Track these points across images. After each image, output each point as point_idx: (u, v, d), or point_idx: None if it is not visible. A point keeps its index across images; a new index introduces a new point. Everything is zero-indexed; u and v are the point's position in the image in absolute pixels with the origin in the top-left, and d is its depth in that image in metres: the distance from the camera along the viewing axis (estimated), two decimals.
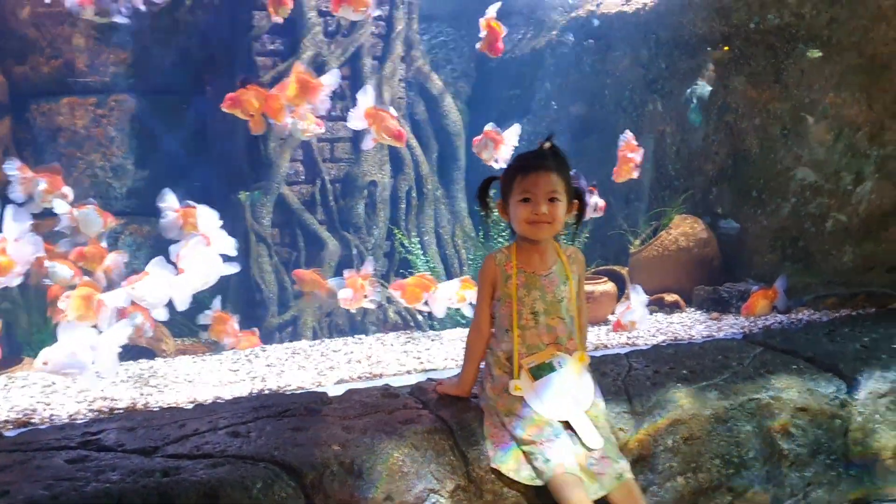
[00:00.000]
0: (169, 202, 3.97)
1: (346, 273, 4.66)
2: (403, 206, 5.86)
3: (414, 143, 5.90)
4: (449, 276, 5.53)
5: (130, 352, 4.29)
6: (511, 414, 2.50)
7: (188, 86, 5.77)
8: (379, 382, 3.34)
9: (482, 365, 2.71)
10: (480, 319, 2.68)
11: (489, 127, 4.72)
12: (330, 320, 5.40)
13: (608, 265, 5.59)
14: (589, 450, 2.44)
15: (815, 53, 4.93)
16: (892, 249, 4.87)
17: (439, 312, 4.46)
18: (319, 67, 5.36)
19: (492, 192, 2.69)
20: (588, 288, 4.88)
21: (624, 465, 2.46)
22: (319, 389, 3.38)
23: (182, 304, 3.64)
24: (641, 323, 4.47)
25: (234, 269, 3.80)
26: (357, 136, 5.15)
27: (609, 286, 5.09)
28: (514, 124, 4.81)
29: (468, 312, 4.47)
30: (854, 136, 4.93)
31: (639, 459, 2.77)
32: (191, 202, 3.98)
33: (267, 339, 5.03)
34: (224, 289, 4.76)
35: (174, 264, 3.64)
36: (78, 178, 5.54)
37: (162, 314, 3.78)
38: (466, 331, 2.78)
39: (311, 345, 4.84)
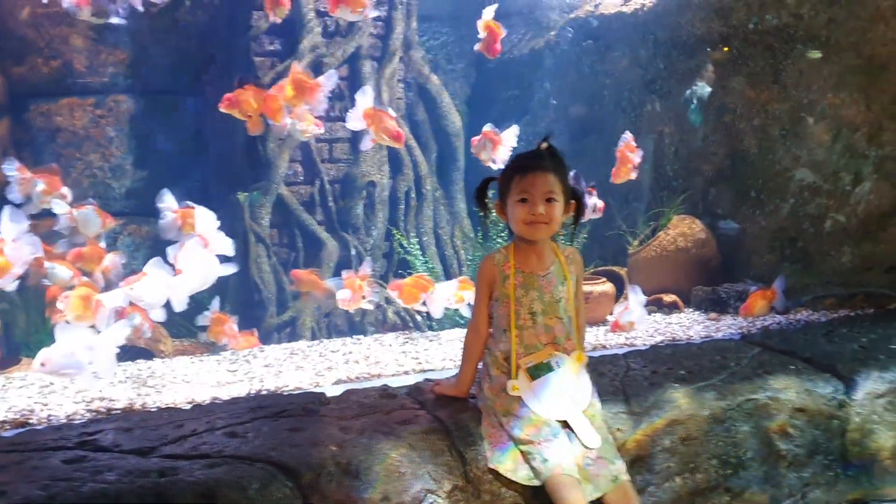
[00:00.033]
0: (168, 203, 3.97)
1: (345, 274, 4.66)
2: (402, 206, 5.86)
3: (413, 143, 5.91)
4: (448, 277, 5.53)
5: (129, 352, 4.30)
6: (509, 414, 2.50)
7: (187, 86, 5.77)
8: (377, 383, 3.34)
9: (480, 365, 2.71)
10: (478, 320, 2.68)
11: (488, 127, 4.72)
12: (329, 321, 5.41)
13: (607, 266, 5.59)
14: (587, 449, 2.44)
15: (816, 54, 4.93)
16: (890, 250, 4.87)
17: (437, 313, 4.46)
18: (318, 68, 5.36)
19: (490, 193, 2.69)
20: (586, 288, 4.87)
21: (620, 467, 2.46)
22: (317, 390, 3.38)
23: (179, 305, 3.64)
24: (640, 323, 4.47)
25: (231, 269, 3.81)
26: (356, 137, 5.15)
27: (607, 287, 5.09)
28: (512, 125, 4.81)
29: (466, 313, 4.47)
30: (852, 137, 4.93)
31: (636, 460, 2.77)
32: (190, 203, 3.98)
33: (265, 339, 5.03)
34: (223, 289, 4.76)
35: (171, 265, 3.64)
36: (77, 179, 5.53)
37: (159, 315, 3.78)
38: (465, 331, 2.78)
39: (310, 345, 4.84)
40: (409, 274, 4.94)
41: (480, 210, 2.69)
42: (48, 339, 3.37)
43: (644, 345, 4.23)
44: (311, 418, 2.63)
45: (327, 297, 4.80)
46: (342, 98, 5.62)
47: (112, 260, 4.21)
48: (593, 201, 4.89)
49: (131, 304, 3.77)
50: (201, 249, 3.64)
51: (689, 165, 5.72)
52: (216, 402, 3.37)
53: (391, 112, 4.62)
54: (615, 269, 5.51)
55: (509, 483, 2.45)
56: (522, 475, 2.42)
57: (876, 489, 3.09)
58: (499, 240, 5.16)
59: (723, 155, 5.51)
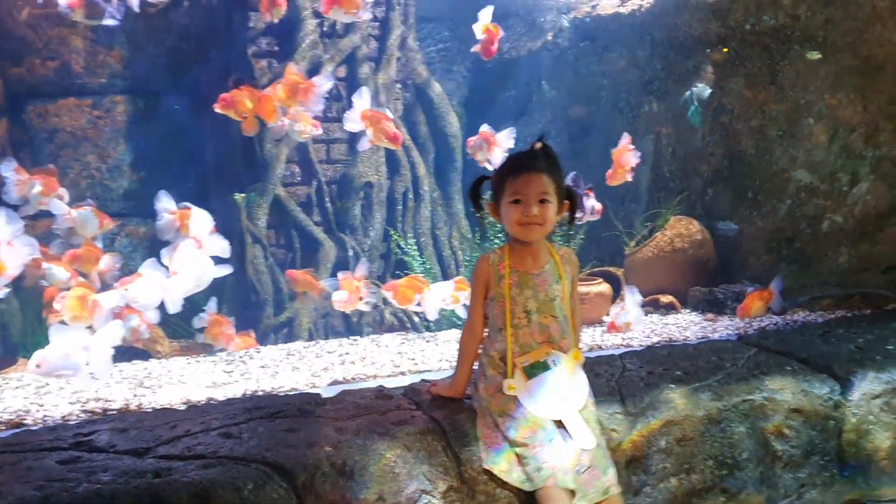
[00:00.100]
0: (165, 204, 3.96)
1: (341, 275, 4.65)
2: (400, 207, 5.86)
3: (410, 144, 5.90)
4: (446, 278, 5.52)
5: (125, 353, 4.29)
6: (504, 415, 2.50)
7: (184, 87, 5.77)
8: (373, 384, 3.34)
9: (476, 366, 2.71)
10: (474, 320, 2.68)
11: (484, 128, 4.72)
12: (326, 321, 5.40)
13: (603, 266, 5.59)
14: (582, 450, 2.44)
15: (815, 55, 4.93)
16: (887, 250, 4.87)
17: (432, 314, 4.45)
18: (315, 69, 5.36)
19: (488, 194, 2.69)
20: (583, 289, 4.87)
21: (611, 479, 2.47)
22: (313, 391, 3.38)
23: (174, 307, 3.63)
24: (636, 324, 4.47)
25: (226, 270, 3.80)
26: (353, 138, 5.15)
27: (604, 287, 5.09)
28: (510, 126, 4.81)
29: (463, 314, 4.47)
30: (849, 138, 4.93)
31: (632, 460, 2.78)
32: (187, 204, 3.97)
33: (262, 340, 5.02)
34: (220, 290, 4.75)
35: (166, 267, 3.64)
36: (74, 180, 5.53)
37: (153, 316, 3.78)
38: (461, 332, 2.78)
39: (306, 346, 4.84)
40: (407, 275, 4.94)
41: (475, 209, 2.69)
42: (45, 340, 3.37)
43: (640, 345, 4.23)
44: (306, 419, 2.64)
45: (323, 298, 4.80)
46: (340, 99, 5.62)
47: (108, 261, 4.20)
48: (591, 203, 4.89)
49: (127, 305, 3.77)
50: (196, 251, 3.64)
51: (687, 166, 5.72)
52: (212, 402, 3.38)
53: (389, 113, 4.62)
54: (612, 269, 5.51)
55: (504, 484, 2.46)
56: (515, 477, 2.43)
57: (872, 490, 3.09)
58: (496, 240, 5.16)
59: (720, 156, 5.51)
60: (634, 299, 4.43)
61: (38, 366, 3.25)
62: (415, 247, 5.64)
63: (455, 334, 4.85)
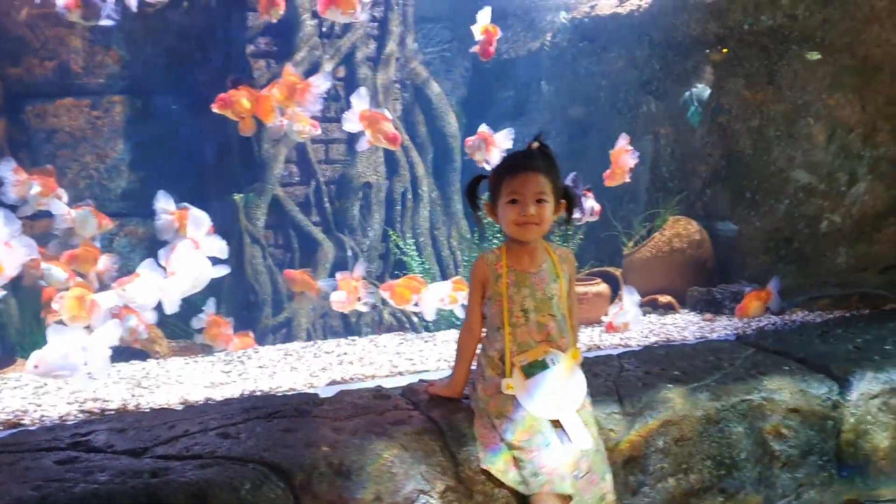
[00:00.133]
0: (164, 204, 3.96)
1: (339, 276, 4.65)
2: (399, 207, 5.86)
3: (409, 144, 5.90)
4: (444, 278, 5.52)
5: (123, 353, 4.29)
6: (502, 416, 2.50)
7: (183, 87, 5.77)
8: (371, 384, 3.34)
9: (474, 366, 2.71)
10: (472, 320, 2.68)
11: (483, 128, 4.72)
12: (324, 322, 5.40)
13: (602, 266, 5.59)
14: (580, 451, 2.44)
15: (815, 56, 4.94)
16: (885, 250, 4.88)
17: (429, 314, 4.45)
18: (314, 69, 5.36)
19: (486, 194, 2.69)
20: (581, 289, 4.87)
21: (608, 486, 2.47)
22: (311, 391, 3.38)
23: (171, 307, 3.63)
24: (634, 324, 4.47)
25: (224, 271, 3.79)
26: (352, 138, 5.16)
27: (602, 287, 5.08)
28: (508, 127, 4.81)
29: (461, 314, 4.46)
30: (847, 138, 4.94)
31: (630, 461, 2.78)
32: (186, 204, 3.97)
33: (261, 340, 5.02)
34: (218, 290, 4.75)
35: (163, 268, 3.63)
36: (73, 180, 5.53)
37: (150, 316, 3.77)
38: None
39: (304, 346, 4.84)
40: (405, 275, 4.94)
41: (472, 209, 2.69)
42: (43, 340, 3.36)
43: (638, 345, 4.23)
44: (304, 419, 2.63)
45: (321, 298, 4.80)
46: (338, 99, 5.62)
47: (106, 262, 4.20)
48: (590, 204, 4.88)
49: (125, 305, 3.76)
50: (193, 251, 3.63)
51: (685, 166, 5.72)
52: (210, 402, 3.38)
53: (387, 114, 4.62)
54: (610, 269, 5.51)
55: (501, 484, 2.46)
56: (512, 477, 2.43)
57: (871, 490, 3.09)
58: (495, 240, 5.16)
59: (718, 156, 5.51)
60: (633, 299, 4.43)
61: (35, 366, 3.25)
62: (413, 247, 5.64)
63: (453, 334, 4.85)
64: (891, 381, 3.16)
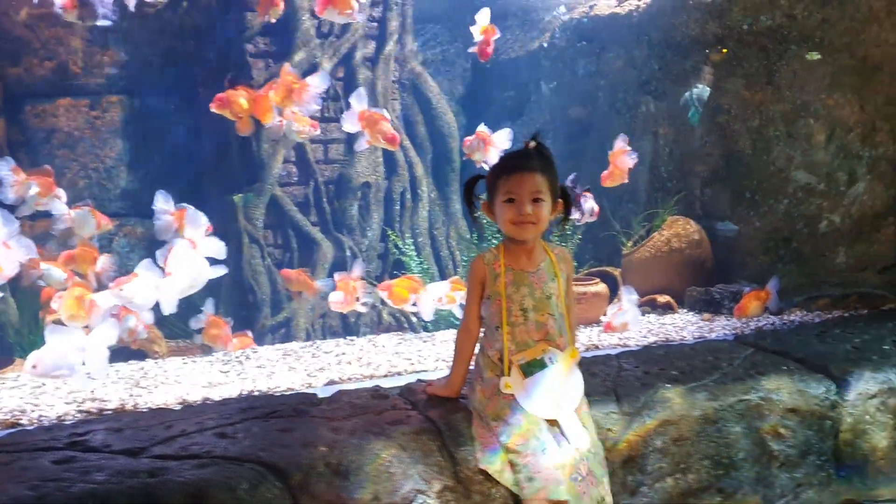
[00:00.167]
0: (163, 204, 3.96)
1: (337, 276, 4.64)
2: (398, 207, 5.85)
3: (408, 144, 5.90)
4: (443, 278, 5.51)
5: (122, 353, 4.29)
6: (499, 419, 2.49)
7: (182, 87, 5.77)
8: (370, 384, 3.34)
9: (472, 366, 2.71)
10: (470, 320, 2.68)
11: (481, 128, 4.72)
12: (323, 322, 5.40)
13: (601, 266, 5.59)
14: (578, 451, 2.43)
15: (814, 56, 4.94)
16: (884, 250, 4.88)
17: (427, 314, 4.45)
18: (312, 69, 5.36)
19: (484, 194, 2.69)
20: (580, 289, 4.87)
21: (606, 489, 2.47)
22: (309, 391, 3.38)
23: (168, 307, 3.62)
24: (633, 324, 4.47)
25: (222, 271, 3.79)
26: (351, 138, 5.15)
27: (601, 287, 5.08)
28: (506, 127, 4.81)
29: (459, 314, 4.46)
30: (846, 138, 4.94)
31: (628, 460, 2.77)
32: (185, 204, 3.96)
33: (259, 340, 5.02)
34: (217, 290, 4.75)
35: (161, 268, 3.63)
36: (72, 180, 5.53)
37: (148, 317, 3.77)
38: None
39: (303, 346, 4.84)
40: (403, 275, 4.94)
41: (469, 209, 2.69)
42: (41, 340, 3.36)
43: (637, 345, 4.23)
44: (301, 419, 2.63)
45: (319, 298, 4.79)
46: (337, 99, 5.62)
47: (104, 262, 4.19)
48: (589, 205, 4.87)
49: (124, 305, 3.76)
50: (190, 251, 3.63)
51: (684, 166, 5.72)
52: (207, 402, 3.37)
53: (386, 114, 4.61)
54: (609, 269, 5.51)
55: (499, 484, 2.46)
56: (507, 478, 2.43)
57: (869, 490, 3.09)
58: (494, 240, 5.16)
59: (717, 156, 5.51)
60: (631, 299, 4.43)
61: (34, 366, 3.24)
62: (412, 247, 5.64)
63: (452, 334, 4.84)
64: (889, 381, 3.17)
